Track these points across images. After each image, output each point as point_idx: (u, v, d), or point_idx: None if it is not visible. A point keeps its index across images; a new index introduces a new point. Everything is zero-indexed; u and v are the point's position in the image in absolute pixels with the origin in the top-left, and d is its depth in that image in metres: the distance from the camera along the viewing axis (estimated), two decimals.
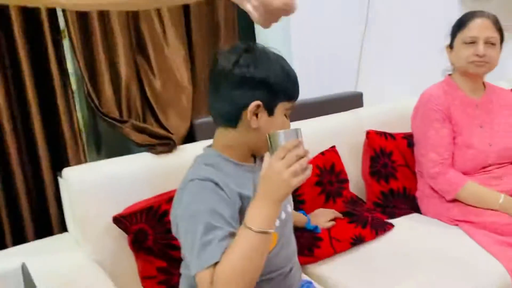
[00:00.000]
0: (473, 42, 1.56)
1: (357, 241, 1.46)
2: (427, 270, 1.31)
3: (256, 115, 0.91)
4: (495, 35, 1.57)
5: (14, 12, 1.30)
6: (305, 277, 1.24)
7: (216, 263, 0.78)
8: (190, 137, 1.57)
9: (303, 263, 1.36)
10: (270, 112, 0.93)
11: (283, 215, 1.01)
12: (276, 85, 0.92)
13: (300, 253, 1.29)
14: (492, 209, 1.49)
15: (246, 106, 0.90)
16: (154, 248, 1.22)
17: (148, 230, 1.21)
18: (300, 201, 1.51)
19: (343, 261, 1.40)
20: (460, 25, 1.64)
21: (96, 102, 1.42)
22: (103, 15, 1.42)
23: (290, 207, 1.08)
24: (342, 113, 1.87)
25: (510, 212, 1.44)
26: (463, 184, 1.54)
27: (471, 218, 1.52)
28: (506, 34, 1.64)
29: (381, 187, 1.72)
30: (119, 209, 1.23)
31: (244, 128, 0.93)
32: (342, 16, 2.09)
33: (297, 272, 1.11)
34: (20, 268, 1.15)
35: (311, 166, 0.82)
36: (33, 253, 1.23)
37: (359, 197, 1.69)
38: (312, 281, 1.23)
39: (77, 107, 1.55)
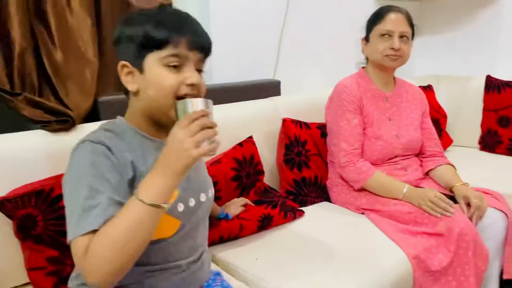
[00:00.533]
0: (389, 36, 1.60)
1: (265, 219, 1.46)
2: (333, 257, 1.33)
3: (132, 77, 0.88)
4: (408, 30, 1.63)
5: None
6: (213, 267, 1.20)
7: (95, 232, 0.72)
8: (93, 115, 1.45)
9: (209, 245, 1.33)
10: (141, 69, 0.86)
11: (192, 203, 0.95)
12: (138, 36, 0.85)
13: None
14: (396, 199, 1.54)
15: None
16: (44, 236, 1.10)
17: (38, 216, 1.09)
18: (216, 197, 1.46)
19: (252, 247, 1.40)
20: (376, 18, 1.68)
21: None
22: None
23: (205, 197, 1.01)
24: (259, 100, 1.87)
25: (412, 201, 1.50)
26: (371, 174, 1.58)
27: (377, 207, 1.57)
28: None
29: (294, 175, 1.73)
30: (4, 192, 1.10)
31: (131, 94, 0.90)
32: (263, 3, 2.07)
33: (203, 268, 1.04)
34: None
35: (218, 141, 0.77)
36: None
37: (272, 187, 1.69)
38: (220, 271, 1.18)
39: None
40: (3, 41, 1.30)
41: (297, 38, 2.19)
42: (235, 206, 1.45)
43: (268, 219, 1.46)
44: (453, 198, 1.52)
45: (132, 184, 0.83)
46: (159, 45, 0.83)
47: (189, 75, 0.84)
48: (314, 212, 1.65)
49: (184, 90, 0.84)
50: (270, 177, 1.74)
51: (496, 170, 2.07)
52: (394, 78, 1.77)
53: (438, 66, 2.79)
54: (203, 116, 0.74)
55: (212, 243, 1.33)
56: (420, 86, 2.30)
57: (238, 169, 1.54)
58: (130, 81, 0.87)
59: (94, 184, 0.77)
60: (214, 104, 1.65)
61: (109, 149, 0.82)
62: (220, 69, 1.91)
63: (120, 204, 0.76)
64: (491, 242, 1.46)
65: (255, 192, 1.58)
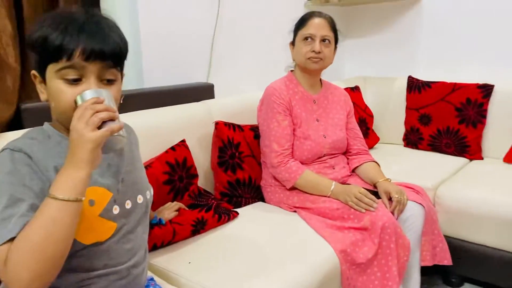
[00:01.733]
0: (311, 39, 1.64)
1: (199, 224, 1.44)
2: (265, 256, 1.33)
3: (42, 86, 0.84)
4: (330, 34, 1.67)
5: None
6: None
7: (12, 239, 0.70)
8: (16, 123, 1.38)
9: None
10: (44, 80, 0.82)
11: (129, 205, 0.93)
12: (37, 44, 0.79)
13: None
14: (325, 196, 1.57)
15: None
16: None
17: None
18: None
19: (185, 251, 1.37)
20: (300, 23, 1.72)
21: None
22: None
23: (142, 198, 0.99)
24: (192, 104, 1.85)
25: (339, 198, 1.54)
26: (301, 173, 1.61)
27: (307, 204, 1.60)
28: (341, 38, 1.75)
29: (228, 177, 1.73)
30: None
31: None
32: (194, 6, 2.04)
33: (143, 274, 1.01)
34: None
35: (114, 122, 0.74)
36: None
37: (206, 190, 1.67)
38: (153, 275, 1.16)
39: None
40: None
41: (229, 42, 2.19)
42: (169, 211, 1.42)
43: (202, 223, 1.44)
44: (377, 194, 1.57)
45: None
46: (54, 55, 0.77)
47: (86, 87, 0.78)
48: (248, 213, 1.65)
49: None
50: (205, 180, 1.74)
51: (419, 165, 2.16)
52: (320, 81, 1.81)
53: (365, 68, 2.86)
54: (95, 103, 0.73)
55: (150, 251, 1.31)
56: (348, 88, 2.38)
57: (170, 173, 1.52)
58: (41, 91, 0.85)
59: (14, 193, 0.74)
60: (147, 107, 1.62)
61: (29, 156, 0.79)
62: (152, 73, 1.87)
63: (30, 206, 0.74)
64: (411, 234, 1.51)
65: (189, 195, 1.56)
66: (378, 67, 2.80)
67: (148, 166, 1.45)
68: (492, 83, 2.22)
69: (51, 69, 0.79)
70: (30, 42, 0.82)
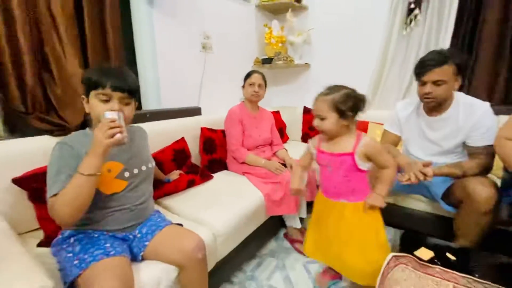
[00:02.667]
0: (253, 85, 1.66)
1: (191, 182, 1.43)
2: (223, 196, 1.34)
3: (86, 104, 0.85)
4: (263, 82, 1.70)
5: None
6: (156, 207, 1.15)
7: (56, 194, 0.72)
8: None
9: (156, 198, 1.27)
10: (88, 100, 0.83)
11: (136, 171, 0.91)
12: (86, 82, 0.82)
13: (158, 189, 1.22)
14: (259, 166, 1.59)
15: None
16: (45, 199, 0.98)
17: (43, 187, 0.96)
18: (162, 170, 1.41)
19: (182, 197, 1.35)
20: (247, 75, 1.73)
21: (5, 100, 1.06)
22: (11, 40, 1.06)
23: (145, 167, 0.95)
24: (189, 117, 1.81)
25: (267, 167, 1.56)
26: (247, 154, 1.63)
27: (251, 171, 1.61)
28: (269, 85, 1.76)
29: (208, 157, 1.73)
30: (17, 174, 0.96)
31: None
32: (190, 56, 1.96)
33: (147, 208, 0.97)
34: None
35: (121, 134, 0.74)
36: None
37: (196, 164, 1.65)
38: (159, 210, 1.11)
39: None
40: (19, 81, 1.11)
41: (212, 79, 2.12)
42: (174, 175, 1.40)
43: (193, 181, 1.44)
44: (285, 165, 1.61)
45: None
46: (98, 86, 0.79)
47: (112, 105, 0.80)
48: (218, 176, 1.64)
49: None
50: (195, 159, 1.71)
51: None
52: (258, 107, 1.81)
53: (282, 100, 2.88)
54: (111, 121, 0.73)
55: (159, 197, 1.29)
56: (273, 111, 2.42)
57: (175, 155, 1.50)
58: (86, 107, 0.85)
59: (60, 168, 0.76)
60: (163, 119, 1.57)
61: (71, 146, 0.79)
62: (166, 99, 1.81)
63: (68, 177, 0.74)
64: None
65: (186, 166, 1.54)
66: (289, 100, 2.84)
67: (162, 152, 1.44)
68: None
69: (94, 93, 0.81)
70: (82, 80, 0.83)
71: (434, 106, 1.28)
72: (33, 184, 0.96)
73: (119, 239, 0.87)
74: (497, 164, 1.21)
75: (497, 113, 1.65)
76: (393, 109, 1.52)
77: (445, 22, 1.88)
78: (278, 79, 2.87)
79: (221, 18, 2.16)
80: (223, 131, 1.82)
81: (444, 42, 1.89)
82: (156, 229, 0.92)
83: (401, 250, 0.79)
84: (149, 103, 1.72)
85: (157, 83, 1.72)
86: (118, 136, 0.73)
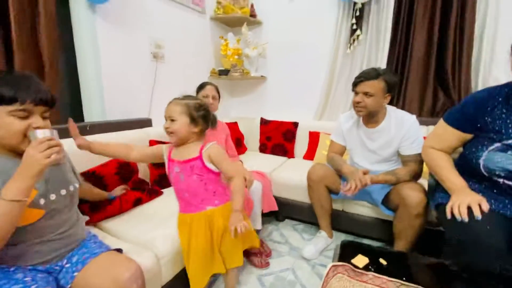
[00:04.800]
0: (207, 97, 1.61)
1: (138, 200, 1.35)
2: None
3: None
4: (216, 94, 1.67)
5: None
6: (94, 231, 1.05)
7: None
8: None
9: (96, 221, 1.16)
10: None
11: (53, 197, 0.80)
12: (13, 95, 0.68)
13: (96, 211, 1.12)
14: None
15: None
16: None
17: None
18: (105, 185, 1.31)
19: (125, 217, 1.25)
20: (200, 87, 1.68)
21: None
22: None
23: (65, 191, 0.84)
24: (138, 129, 1.73)
25: None
26: None
27: None
28: (227, 96, 1.73)
29: (158, 172, 1.64)
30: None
31: None
32: (140, 67, 1.89)
33: (76, 234, 0.88)
34: None
35: (58, 154, 0.68)
36: None
37: (143, 179, 1.55)
38: (96, 234, 1.00)
39: None
40: None
41: (164, 89, 2.05)
42: (118, 191, 1.30)
43: (139, 199, 1.36)
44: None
45: None
46: (10, 102, 0.67)
47: (34, 121, 0.70)
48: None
49: (31, 131, 0.70)
50: (144, 174, 1.60)
51: (264, 161, 2.21)
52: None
53: (240, 111, 2.90)
54: (49, 139, 0.67)
55: (100, 220, 1.19)
56: (231, 122, 2.42)
57: (119, 168, 1.40)
58: None
59: None
60: (107, 131, 1.47)
61: None
62: (111, 110, 1.70)
63: None
64: (255, 196, 1.55)
65: (132, 182, 1.44)
66: (246, 111, 2.87)
67: (104, 166, 1.33)
68: (298, 121, 2.42)
69: (4, 110, 0.68)
70: None
71: (365, 115, 1.41)
72: None
73: (41, 271, 0.78)
74: (426, 170, 1.36)
75: (426, 123, 1.89)
76: (337, 120, 1.63)
77: (381, 43, 2.11)
78: (235, 91, 2.89)
79: (174, 27, 2.13)
80: None
81: (382, 60, 2.10)
82: (89, 257, 0.84)
83: (340, 258, 0.83)
84: (93, 115, 1.59)
85: (101, 94, 1.61)
86: (55, 156, 0.66)
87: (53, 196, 0.81)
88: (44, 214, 0.78)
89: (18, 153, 0.73)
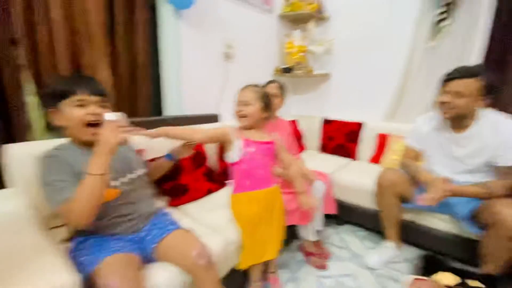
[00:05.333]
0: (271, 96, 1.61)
1: (209, 190, 1.47)
2: None
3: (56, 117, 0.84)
4: (278, 92, 1.64)
5: None
6: (171, 212, 1.16)
7: (69, 199, 0.74)
8: None
9: (177, 205, 1.31)
10: (56, 112, 0.83)
11: (123, 179, 0.92)
12: (52, 94, 0.83)
13: (176, 197, 1.27)
14: None
15: None
16: None
17: None
18: (181, 168, 1.41)
19: (199, 203, 1.38)
20: (264, 85, 1.68)
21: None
22: (50, 48, 1.16)
23: (134, 175, 0.96)
24: (205, 124, 1.83)
25: None
26: None
27: None
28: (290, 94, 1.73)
29: (225, 164, 1.71)
30: None
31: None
32: (213, 58, 1.99)
33: (149, 211, 1.00)
34: None
35: (128, 134, 0.77)
36: None
37: (212, 169, 1.65)
38: (170, 212, 1.09)
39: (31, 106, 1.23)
40: None
41: (233, 87, 2.05)
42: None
43: (210, 190, 1.48)
44: None
45: (78, 174, 0.79)
46: (71, 94, 0.81)
47: (91, 109, 0.82)
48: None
49: (89, 117, 0.82)
50: (213, 163, 1.71)
51: (325, 161, 2.16)
52: (275, 116, 1.75)
53: (301, 110, 2.86)
54: (117, 120, 0.77)
55: (179, 204, 1.34)
56: (292, 120, 2.41)
57: (195, 154, 1.50)
58: (56, 120, 0.85)
59: (57, 175, 0.78)
60: (182, 124, 1.61)
61: (56, 156, 0.83)
62: (187, 106, 1.86)
63: (70, 182, 0.77)
64: (317, 197, 1.50)
65: (204, 167, 1.54)
66: (307, 110, 2.82)
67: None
68: (364, 122, 2.29)
69: (68, 102, 0.81)
70: (47, 94, 0.84)
71: (452, 118, 1.24)
72: None
73: (127, 240, 0.91)
74: None
75: None
76: (414, 123, 1.48)
77: (475, 34, 1.81)
78: (298, 88, 2.87)
79: (244, 28, 2.22)
80: None
81: (475, 55, 1.81)
82: (164, 232, 0.94)
83: (422, 273, 0.76)
84: (172, 110, 1.78)
85: (180, 91, 1.79)
86: (121, 136, 0.77)
87: (123, 179, 0.92)
88: (120, 193, 0.90)
89: (89, 146, 0.84)
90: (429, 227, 1.50)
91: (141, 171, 1.01)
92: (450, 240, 1.42)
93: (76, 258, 0.83)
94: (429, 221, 1.49)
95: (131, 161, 0.99)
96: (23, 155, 0.98)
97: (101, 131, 0.75)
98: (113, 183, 0.90)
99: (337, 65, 2.59)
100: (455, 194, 1.15)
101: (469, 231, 1.27)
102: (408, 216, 1.55)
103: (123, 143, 0.77)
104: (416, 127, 1.46)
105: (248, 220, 1.11)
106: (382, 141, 2.13)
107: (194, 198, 1.38)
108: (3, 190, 1.05)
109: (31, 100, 1.55)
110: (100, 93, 0.84)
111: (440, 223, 1.46)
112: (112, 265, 0.75)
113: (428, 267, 0.80)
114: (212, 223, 1.18)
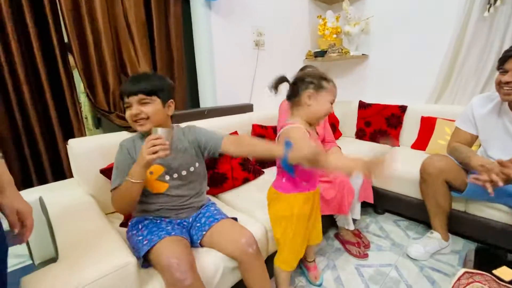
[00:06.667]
0: None
1: (245, 179, 1.49)
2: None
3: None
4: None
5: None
6: (214, 200, 1.24)
7: (114, 189, 0.86)
8: None
9: (217, 193, 1.36)
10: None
11: (176, 175, 0.97)
12: (120, 97, 0.93)
13: (215, 186, 1.30)
14: None
15: None
16: None
17: None
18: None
19: (237, 192, 1.42)
20: (299, 71, 1.66)
21: (93, 100, 1.26)
22: (98, 49, 1.26)
23: (185, 172, 0.98)
24: (241, 114, 1.87)
25: None
26: None
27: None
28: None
29: None
30: (104, 165, 1.14)
31: None
32: (243, 47, 2.00)
33: (198, 201, 1.04)
34: (38, 200, 1.02)
35: (163, 152, 0.79)
36: (48, 190, 1.09)
37: (249, 159, 1.67)
38: (215, 202, 1.14)
39: (82, 103, 1.36)
40: (104, 86, 1.30)
41: (264, 75, 2.15)
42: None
43: (247, 179, 1.51)
44: None
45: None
46: (124, 94, 0.89)
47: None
48: (270, 171, 1.67)
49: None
50: None
51: (362, 148, 2.10)
52: None
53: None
54: (156, 138, 0.78)
55: (219, 192, 1.39)
56: None
57: None
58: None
59: (117, 165, 0.89)
60: (218, 116, 1.65)
61: (126, 148, 0.92)
62: (221, 97, 1.91)
63: (124, 173, 0.86)
64: (355, 186, 1.45)
65: (239, 162, 1.58)
66: (343, 94, 2.69)
67: None
68: (406, 105, 2.15)
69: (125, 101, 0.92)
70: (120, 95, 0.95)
71: None
72: None
73: (177, 224, 0.99)
74: None
75: None
76: (468, 104, 1.34)
77: None
78: (332, 72, 2.76)
79: (274, 13, 2.17)
80: (273, 128, 1.84)
81: None
82: (213, 221, 0.99)
83: (475, 266, 0.71)
84: (207, 101, 1.84)
85: (214, 82, 1.83)
86: (160, 153, 0.79)
87: (175, 175, 0.97)
88: (168, 187, 0.96)
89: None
90: (483, 218, 1.38)
91: (193, 167, 1.01)
92: (508, 233, 1.30)
93: (133, 238, 0.93)
94: (483, 211, 1.37)
95: (189, 157, 1.00)
96: (83, 149, 1.11)
97: (143, 146, 0.81)
98: (165, 177, 0.95)
99: (375, 45, 2.42)
100: None
101: None
102: (458, 206, 1.44)
103: (160, 158, 0.80)
104: (469, 109, 1.33)
105: (301, 219, 1.03)
106: (427, 125, 1.97)
107: (232, 187, 1.44)
108: (69, 180, 1.21)
109: (83, 98, 1.71)
110: (136, 92, 0.88)
111: (496, 213, 1.33)
112: (168, 246, 0.81)
113: (482, 260, 0.74)
114: (250, 211, 1.22)
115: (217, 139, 0.98)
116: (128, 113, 0.89)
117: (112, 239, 0.78)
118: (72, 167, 1.18)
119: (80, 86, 1.43)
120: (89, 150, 1.12)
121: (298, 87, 0.94)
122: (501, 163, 1.05)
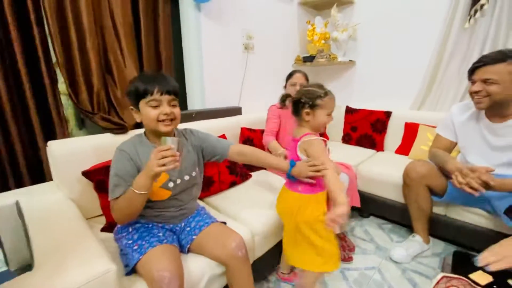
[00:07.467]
0: (295, 85, 1.61)
1: (233, 183, 1.49)
2: (264, 198, 1.34)
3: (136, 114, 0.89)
4: (304, 82, 1.63)
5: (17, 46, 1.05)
6: (202, 204, 1.23)
7: (116, 199, 0.81)
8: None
9: (203, 197, 1.35)
10: (138, 109, 0.87)
11: (179, 181, 0.95)
12: (133, 93, 0.85)
13: (201, 190, 1.27)
14: (276, 155, 1.51)
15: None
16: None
17: (105, 179, 1.08)
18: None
19: (224, 195, 1.41)
20: (289, 76, 1.70)
21: (75, 100, 1.23)
22: (82, 48, 1.22)
23: (188, 177, 0.97)
24: (229, 117, 1.86)
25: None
26: (271, 141, 1.63)
27: None
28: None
29: None
30: (86, 167, 1.10)
31: None
32: (232, 49, 1.99)
33: (191, 207, 1.04)
34: (14, 204, 0.98)
35: (173, 163, 0.75)
36: (25, 194, 1.05)
37: (234, 162, 1.66)
38: (204, 207, 1.17)
39: (64, 105, 1.31)
40: (88, 86, 1.27)
41: (253, 79, 2.15)
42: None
43: (234, 182, 1.50)
44: None
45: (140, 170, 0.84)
46: (146, 94, 0.83)
47: (163, 109, 0.84)
48: (257, 175, 1.67)
49: (162, 117, 0.84)
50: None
51: (349, 153, 2.12)
52: None
53: None
54: (165, 150, 0.74)
55: (206, 196, 1.38)
56: None
57: None
58: (136, 117, 0.89)
59: (117, 172, 0.82)
60: (206, 118, 1.63)
61: (128, 153, 0.86)
62: (209, 100, 1.90)
63: (126, 181, 0.82)
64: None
65: (228, 162, 1.57)
66: None
67: None
68: (391, 110, 2.19)
69: (143, 102, 0.85)
70: (129, 92, 0.87)
71: (487, 107, 1.17)
72: (98, 177, 1.08)
73: (168, 230, 0.97)
74: None
75: None
76: (448, 111, 1.39)
77: None
78: (320, 78, 2.80)
79: (264, 17, 2.18)
80: (262, 131, 1.84)
81: None
82: (203, 225, 0.99)
83: (453, 270, 0.74)
84: (195, 104, 1.82)
85: (202, 85, 1.82)
86: (170, 166, 0.74)
87: (178, 181, 0.95)
88: (171, 195, 0.95)
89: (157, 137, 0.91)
90: (463, 222, 1.43)
91: (194, 173, 1.00)
92: (485, 236, 1.34)
93: (122, 240, 0.90)
94: (463, 215, 1.42)
95: (191, 161, 0.99)
96: (63, 151, 1.07)
97: (150, 156, 0.77)
98: (169, 184, 0.93)
99: (362, 52, 2.48)
100: (497, 188, 1.08)
101: (508, 227, 1.19)
102: (438, 210, 1.49)
103: (170, 169, 0.77)
104: (449, 116, 1.38)
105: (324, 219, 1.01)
106: (411, 131, 2.03)
107: (219, 190, 1.42)
108: (48, 183, 1.16)
109: (65, 98, 1.65)
110: (169, 92, 0.85)
111: (475, 218, 1.38)
112: (159, 257, 0.79)
113: (460, 264, 0.76)
114: (237, 215, 1.21)
115: (223, 148, 1.04)
116: (155, 112, 0.83)
117: (91, 245, 0.75)
118: (51, 170, 1.14)
119: (62, 87, 1.39)
120: (70, 152, 1.08)
121: (297, 106, 1.04)
122: (471, 170, 1.10)
